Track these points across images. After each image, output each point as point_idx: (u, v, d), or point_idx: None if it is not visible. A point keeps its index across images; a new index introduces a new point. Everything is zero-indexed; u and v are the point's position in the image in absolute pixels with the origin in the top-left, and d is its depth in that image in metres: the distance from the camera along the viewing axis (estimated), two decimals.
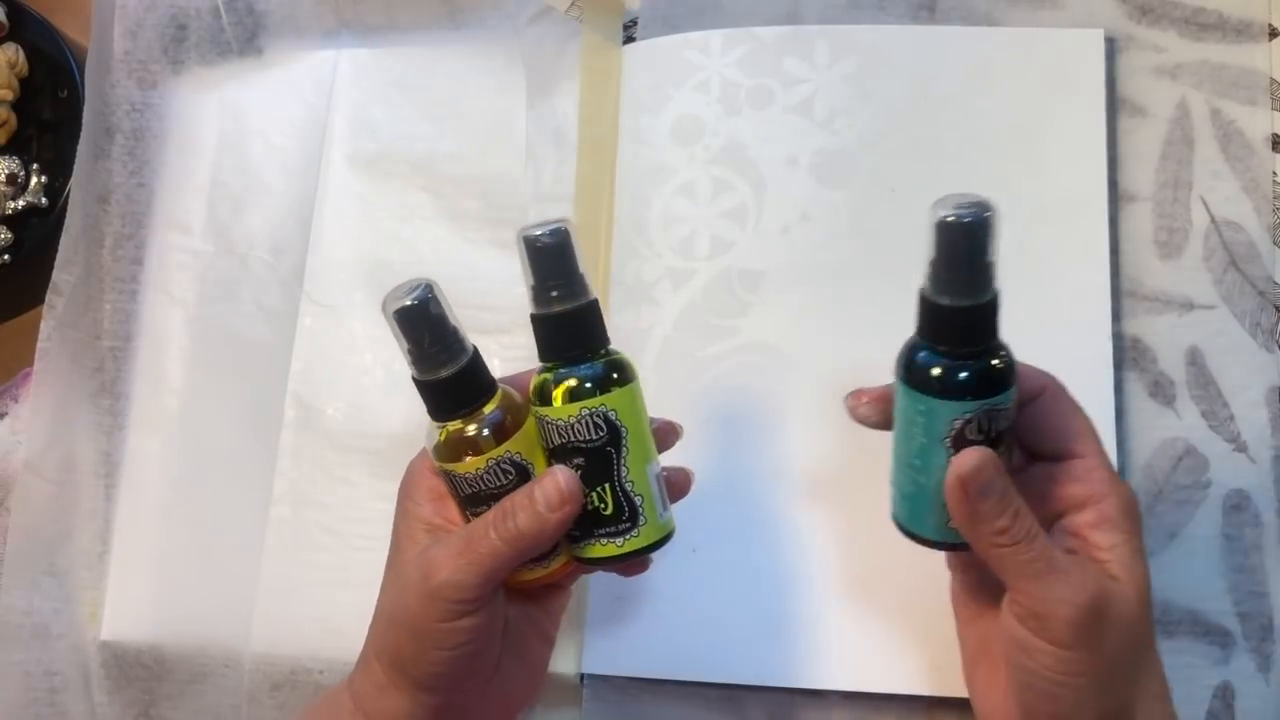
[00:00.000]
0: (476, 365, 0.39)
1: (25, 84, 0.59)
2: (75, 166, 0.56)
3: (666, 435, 0.42)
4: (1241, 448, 0.49)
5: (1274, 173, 0.51)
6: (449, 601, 0.37)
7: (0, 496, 0.56)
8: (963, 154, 0.52)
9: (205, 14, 0.59)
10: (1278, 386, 0.49)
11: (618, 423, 0.38)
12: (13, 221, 0.58)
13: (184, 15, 0.59)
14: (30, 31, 0.59)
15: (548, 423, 0.39)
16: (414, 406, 0.39)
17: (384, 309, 0.37)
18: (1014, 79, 0.52)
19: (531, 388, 0.39)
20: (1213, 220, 0.51)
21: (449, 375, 0.38)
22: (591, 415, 0.38)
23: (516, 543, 0.37)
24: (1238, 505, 0.48)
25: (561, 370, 0.38)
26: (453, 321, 0.38)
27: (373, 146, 0.56)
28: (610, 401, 0.38)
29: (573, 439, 0.38)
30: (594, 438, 0.38)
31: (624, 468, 0.39)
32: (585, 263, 0.38)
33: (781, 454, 0.50)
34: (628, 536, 0.39)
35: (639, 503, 0.39)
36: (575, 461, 0.38)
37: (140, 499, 0.55)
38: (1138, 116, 0.52)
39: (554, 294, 0.38)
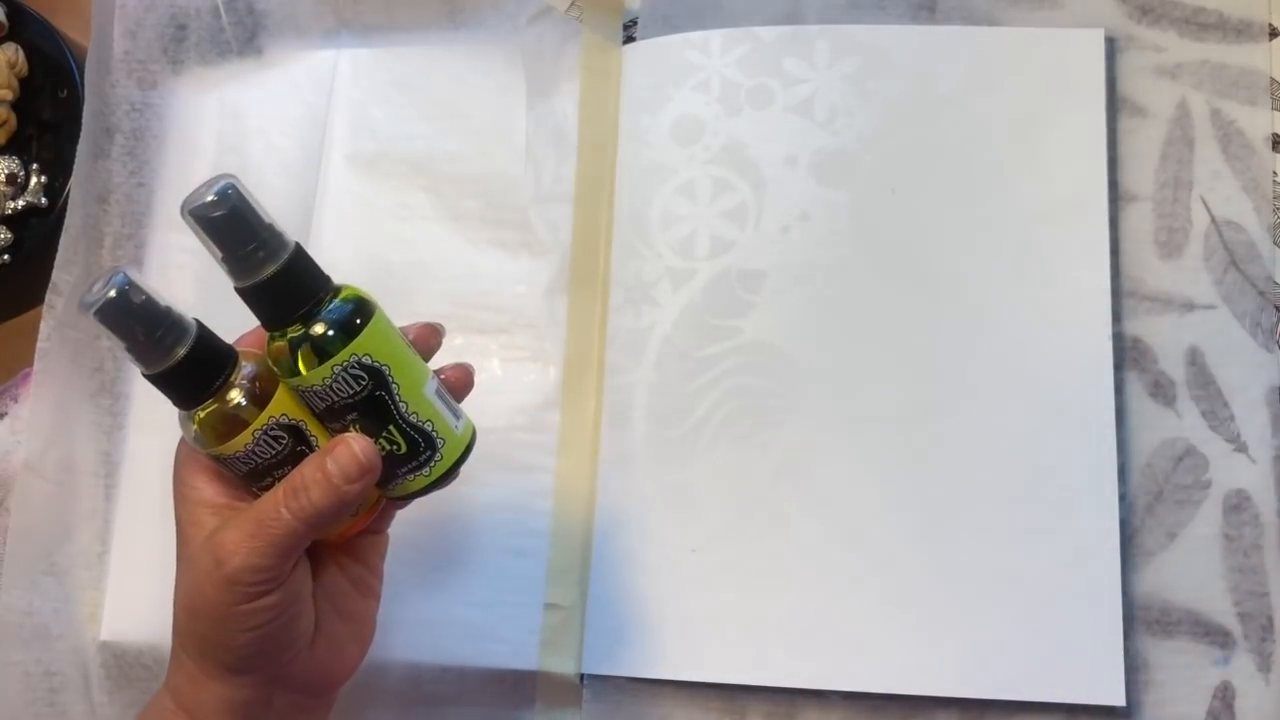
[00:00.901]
0: (206, 338, 0.36)
1: (25, 84, 0.59)
2: (75, 166, 0.56)
3: (428, 340, 0.40)
4: (1241, 448, 0.49)
5: (1274, 173, 0.51)
6: (246, 585, 0.35)
7: (0, 496, 0.56)
8: (963, 154, 0.52)
9: (205, 14, 0.59)
10: (1278, 386, 0.49)
11: (376, 364, 0.36)
12: (13, 221, 0.58)
13: (184, 15, 0.59)
14: (30, 31, 0.59)
15: (304, 391, 0.36)
16: None
17: (80, 310, 0.34)
18: (1014, 79, 0.52)
19: (271, 359, 0.36)
20: (1213, 220, 0.51)
21: (182, 357, 0.35)
22: (346, 369, 0.35)
23: (313, 519, 0.35)
24: (1238, 505, 0.48)
25: (295, 335, 0.35)
26: (162, 302, 0.35)
27: (372, 146, 0.56)
28: (360, 346, 0.35)
29: (337, 399, 0.36)
30: (358, 389, 0.36)
31: (401, 404, 0.36)
32: (260, 205, 0.35)
33: (781, 454, 0.50)
34: (432, 463, 0.38)
35: (430, 428, 0.37)
36: (348, 418, 0.36)
37: (140, 499, 0.55)
38: (1138, 116, 0.52)
39: (258, 255, 0.34)
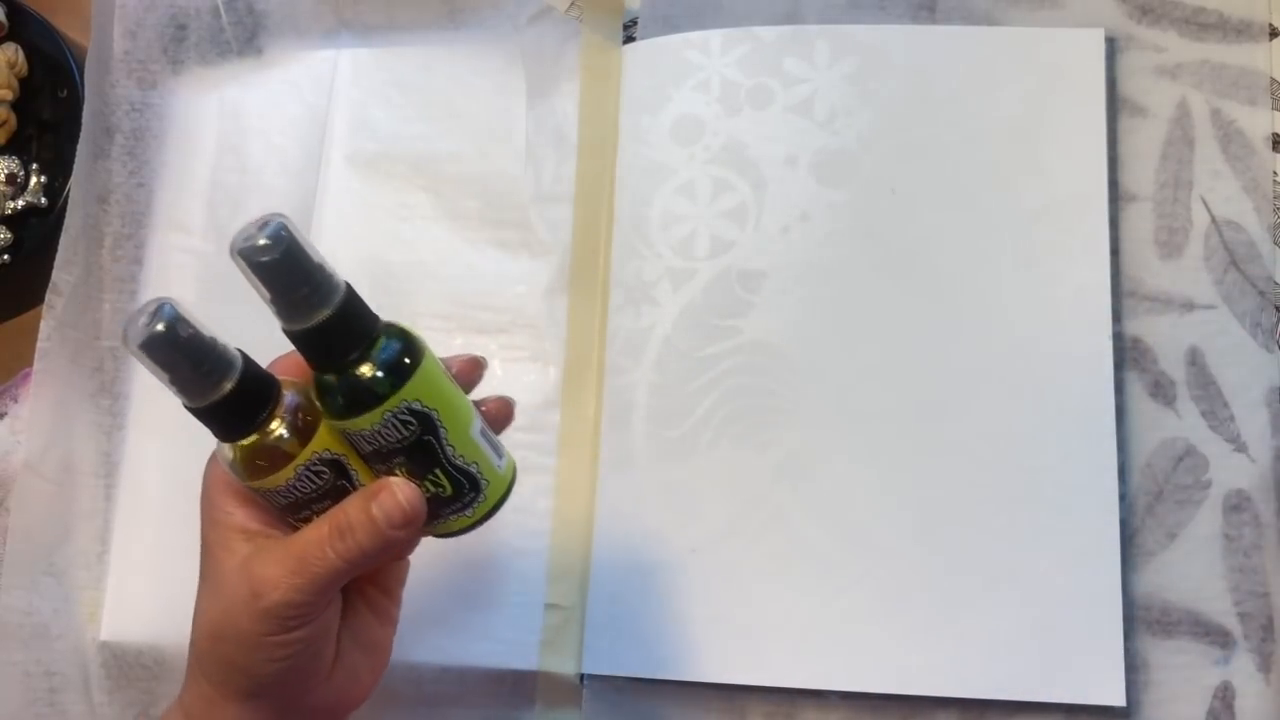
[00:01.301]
0: (251, 371, 0.34)
1: (25, 84, 0.59)
2: (75, 166, 0.56)
3: (470, 374, 0.39)
4: (1241, 448, 0.49)
5: (1274, 173, 0.51)
6: (283, 619, 0.35)
7: (0, 496, 0.56)
8: (963, 154, 0.52)
9: (205, 14, 0.59)
10: (1278, 386, 0.49)
11: (425, 409, 0.35)
12: (12, 221, 0.58)
13: (184, 15, 0.59)
14: (30, 31, 0.59)
15: (351, 435, 0.35)
16: None
17: (125, 343, 0.32)
18: (1014, 79, 0.52)
19: (316, 399, 0.35)
20: (1213, 220, 0.51)
21: (228, 391, 0.33)
22: (395, 415, 0.34)
23: (358, 560, 0.35)
24: (1238, 505, 0.48)
25: (345, 378, 0.34)
26: (207, 333, 0.33)
27: (372, 146, 0.56)
28: (410, 392, 0.34)
29: (384, 444, 0.35)
30: (406, 434, 0.35)
31: (448, 447, 0.36)
32: (311, 245, 0.33)
33: (781, 454, 0.50)
34: (476, 504, 0.37)
35: (475, 470, 0.37)
36: (395, 461, 0.35)
37: (140, 499, 0.55)
38: (1138, 116, 0.52)
39: (310, 299, 0.33)
